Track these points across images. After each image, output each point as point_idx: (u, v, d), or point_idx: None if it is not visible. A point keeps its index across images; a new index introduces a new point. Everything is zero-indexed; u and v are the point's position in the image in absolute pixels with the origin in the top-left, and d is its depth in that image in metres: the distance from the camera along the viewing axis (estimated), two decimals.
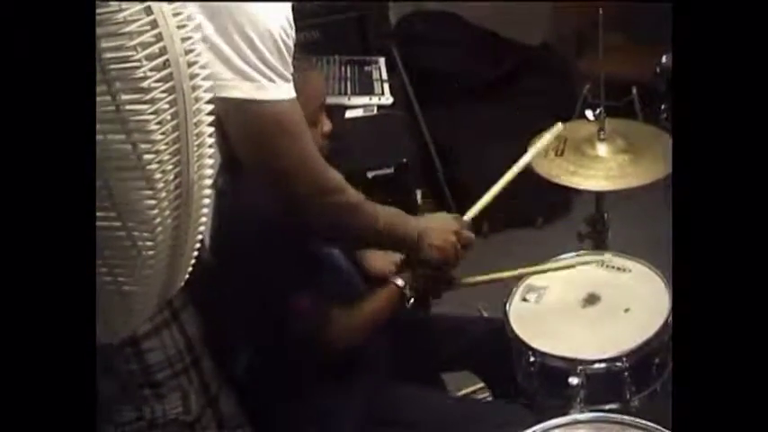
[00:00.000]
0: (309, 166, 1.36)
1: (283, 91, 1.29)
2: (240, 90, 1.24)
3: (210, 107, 0.80)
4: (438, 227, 1.63)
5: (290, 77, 1.30)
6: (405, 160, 2.44)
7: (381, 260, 1.82)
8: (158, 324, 1.39)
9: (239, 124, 1.31)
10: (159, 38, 0.70)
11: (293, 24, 1.29)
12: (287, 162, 1.33)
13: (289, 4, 1.30)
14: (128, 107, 0.75)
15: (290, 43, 1.28)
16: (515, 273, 1.84)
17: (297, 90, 1.44)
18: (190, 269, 0.98)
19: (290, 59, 1.28)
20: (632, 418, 1.34)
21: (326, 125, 1.56)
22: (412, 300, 1.68)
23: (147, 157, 0.78)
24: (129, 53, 0.70)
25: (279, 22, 1.25)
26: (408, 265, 1.69)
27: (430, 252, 1.60)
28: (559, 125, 1.94)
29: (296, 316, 1.52)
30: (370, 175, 2.36)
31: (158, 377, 1.41)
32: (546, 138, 1.93)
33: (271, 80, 1.25)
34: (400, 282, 1.65)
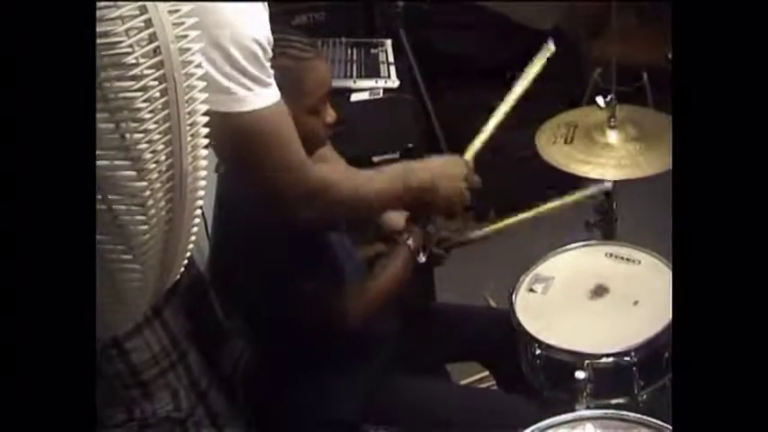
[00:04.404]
0: (293, 171, 1.32)
1: (262, 98, 1.24)
2: (218, 103, 1.18)
3: (205, 95, 0.76)
4: (448, 173, 1.59)
5: (270, 81, 1.25)
6: (411, 145, 2.40)
7: (397, 217, 1.78)
8: (140, 323, 1.37)
9: (220, 136, 1.27)
10: (149, 24, 0.66)
11: (268, 27, 1.24)
12: (270, 170, 1.30)
13: (264, 6, 1.26)
14: (120, 95, 0.71)
15: (268, 47, 1.23)
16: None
17: (301, 79, 1.40)
18: (185, 261, 0.95)
19: (267, 63, 1.24)
20: (638, 416, 1.32)
21: (330, 115, 1.51)
22: (423, 259, 1.66)
23: (140, 146, 0.75)
24: (119, 39, 0.66)
25: (254, 28, 1.20)
26: (416, 220, 1.67)
27: (441, 202, 1.57)
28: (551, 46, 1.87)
29: (306, 299, 1.49)
30: (375, 159, 2.32)
31: (145, 376, 1.39)
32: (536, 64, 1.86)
33: (248, 89, 1.21)
34: (411, 242, 1.64)
